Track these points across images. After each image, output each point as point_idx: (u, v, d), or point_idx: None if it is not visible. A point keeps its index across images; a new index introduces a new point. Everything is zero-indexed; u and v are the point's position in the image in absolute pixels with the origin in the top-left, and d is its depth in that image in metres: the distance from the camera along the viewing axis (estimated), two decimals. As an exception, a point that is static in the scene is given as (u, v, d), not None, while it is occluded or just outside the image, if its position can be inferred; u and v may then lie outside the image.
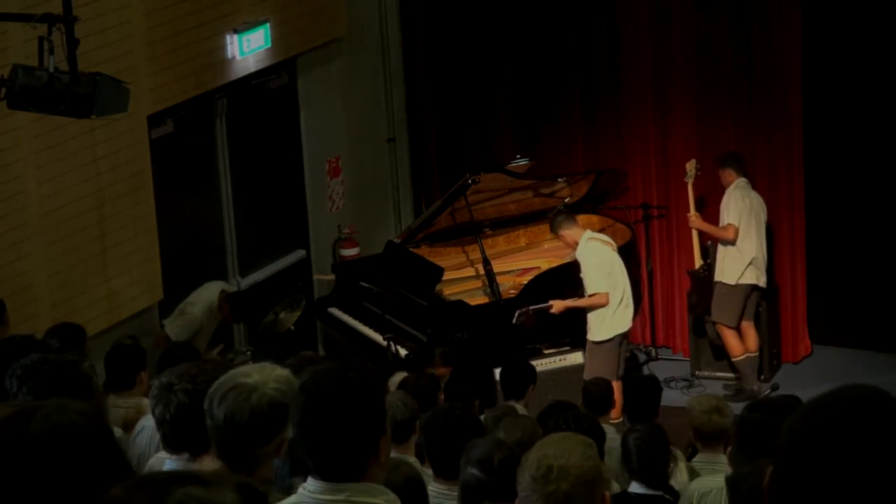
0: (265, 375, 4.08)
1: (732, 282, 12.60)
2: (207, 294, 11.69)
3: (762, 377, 12.94)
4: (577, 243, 11.87)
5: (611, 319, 11.86)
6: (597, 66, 13.76)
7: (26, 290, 10.30)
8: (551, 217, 12.39)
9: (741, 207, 12.49)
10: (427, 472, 6.46)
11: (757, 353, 12.82)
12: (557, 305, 11.87)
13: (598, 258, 11.82)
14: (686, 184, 12.83)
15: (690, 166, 12.80)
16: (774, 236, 13.24)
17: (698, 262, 12.93)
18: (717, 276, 12.71)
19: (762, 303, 12.93)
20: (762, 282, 12.67)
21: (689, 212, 12.85)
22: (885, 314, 13.08)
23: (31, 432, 2.44)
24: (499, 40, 14.06)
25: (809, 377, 12.95)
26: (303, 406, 3.88)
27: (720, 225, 12.59)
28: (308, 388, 3.91)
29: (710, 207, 12.95)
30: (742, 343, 12.71)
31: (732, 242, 12.52)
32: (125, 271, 11.19)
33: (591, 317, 11.87)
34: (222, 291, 11.79)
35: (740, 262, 12.55)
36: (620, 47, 13.61)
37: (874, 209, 13.07)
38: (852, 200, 13.15)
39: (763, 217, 12.66)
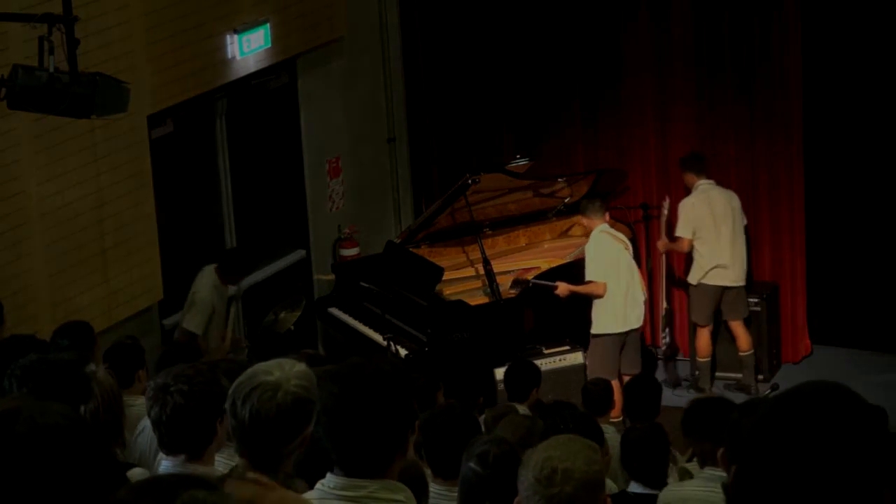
0: (286, 372, 4.09)
1: (694, 282, 12.74)
2: (207, 276, 11.68)
3: (760, 377, 12.95)
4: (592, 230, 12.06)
5: (611, 315, 11.92)
6: (597, 66, 13.76)
7: (26, 290, 10.31)
8: (587, 200, 12.40)
9: (691, 217, 12.56)
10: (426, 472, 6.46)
11: (751, 352, 12.82)
12: (562, 288, 11.97)
13: (601, 249, 11.93)
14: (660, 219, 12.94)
15: (665, 205, 12.86)
16: (774, 236, 13.26)
17: (663, 305, 13.03)
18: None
19: (760, 302, 12.93)
20: (730, 281, 12.62)
21: (659, 239, 12.94)
22: (885, 314, 13.08)
23: (14, 434, 2.44)
24: (499, 40, 14.05)
25: (809, 377, 12.84)
26: (335, 397, 3.86)
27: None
28: (342, 380, 3.89)
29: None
30: (711, 347, 12.76)
31: (686, 253, 12.72)
32: (125, 271, 11.19)
33: (594, 310, 11.95)
34: (217, 267, 11.77)
35: (700, 266, 12.68)
36: (621, 47, 13.60)
37: (874, 209, 13.08)
38: (852, 200, 13.15)
39: (732, 214, 12.57)
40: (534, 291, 12.22)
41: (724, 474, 6.45)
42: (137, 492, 2.38)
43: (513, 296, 12.33)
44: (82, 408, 6.12)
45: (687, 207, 12.62)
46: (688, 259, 12.92)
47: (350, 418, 3.83)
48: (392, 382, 3.88)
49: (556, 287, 12.08)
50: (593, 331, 12.04)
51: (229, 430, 4.19)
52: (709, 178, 12.71)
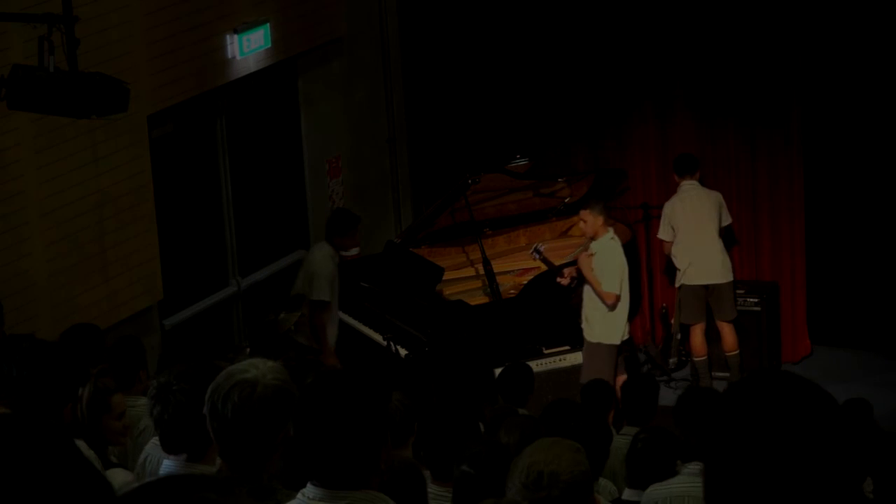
0: (261, 369, 4.12)
1: (677, 284, 12.80)
2: (319, 249, 12.05)
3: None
4: (597, 235, 11.76)
5: (619, 326, 11.76)
6: (597, 65, 13.75)
7: (26, 290, 10.31)
8: (594, 201, 12.20)
9: (668, 218, 12.66)
10: (426, 474, 6.46)
11: (736, 352, 12.80)
12: (584, 261, 11.71)
13: (621, 261, 11.75)
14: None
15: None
16: (774, 236, 13.26)
17: (677, 336, 13.14)
18: None
19: (760, 302, 12.93)
20: (709, 279, 12.60)
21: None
22: (886, 314, 13.08)
23: None
24: (499, 40, 14.05)
25: (809, 377, 12.90)
26: (307, 410, 3.87)
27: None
28: (313, 393, 3.90)
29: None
30: (705, 346, 12.78)
31: (667, 255, 12.84)
32: (125, 271, 11.19)
33: (598, 317, 11.77)
34: (327, 237, 12.03)
35: (679, 268, 12.69)
36: (621, 46, 13.60)
37: (874, 209, 13.07)
38: (852, 200, 13.15)
39: (709, 213, 12.60)
40: (535, 288, 12.17)
41: None
42: (145, 493, 2.36)
43: (513, 295, 12.31)
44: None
45: (666, 210, 12.73)
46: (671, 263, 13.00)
47: (320, 432, 3.84)
48: (362, 396, 3.88)
49: (568, 271, 12.03)
50: (597, 339, 11.75)
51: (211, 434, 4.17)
52: (694, 178, 12.71)
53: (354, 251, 13.71)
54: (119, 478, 5.84)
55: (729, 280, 12.67)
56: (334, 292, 11.87)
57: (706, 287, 12.65)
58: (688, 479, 6.58)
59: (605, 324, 11.78)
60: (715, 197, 12.69)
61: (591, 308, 11.80)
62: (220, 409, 4.07)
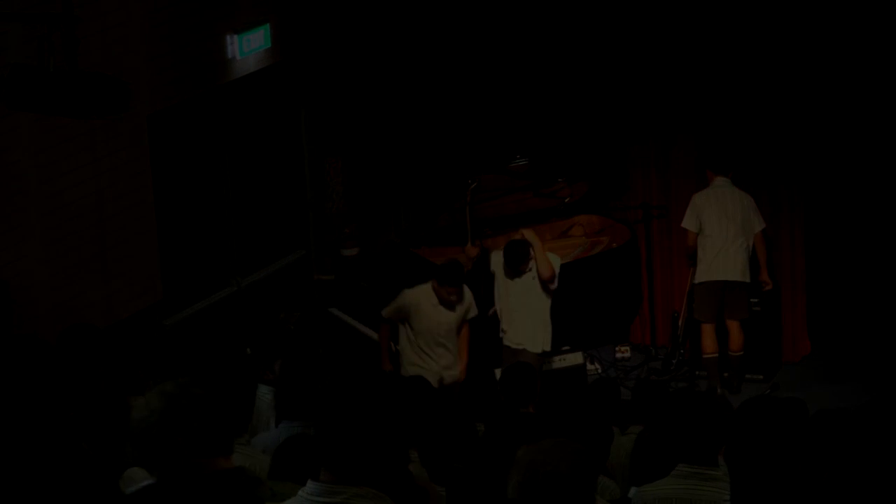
0: (151, 395, 3.98)
1: (698, 281, 12.72)
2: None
3: (760, 376, 12.94)
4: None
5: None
6: (597, 63, 13.74)
7: (26, 290, 10.31)
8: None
9: (699, 210, 12.62)
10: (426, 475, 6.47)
11: (740, 353, 12.79)
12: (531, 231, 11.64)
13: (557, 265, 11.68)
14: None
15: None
16: (774, 236, 13.26)
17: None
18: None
19: (760, 302, 12.92)
20: (731, 275, 12.56)
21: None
22: (886, 314, 13.07)
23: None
24: (498, 39, 14.05)
25: (809, 377, 12.95)
26: (333, 404, 3.89)
27: None
28: (341, 388, 3.91)
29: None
30: (715, 343, 12.75)
31: (691, 247, 12.74)
32: (125, 271, 11.19)
33: (542, 328, 11.62)
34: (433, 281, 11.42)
35: (704, 263, 12.67)
36: (622, 46, 13.59)
37: (874, 209, 13.07)
38: (852, 199, 13.14)
39: (740, 211, 12.59)
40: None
41: (699, 470, 6.40)
42: (146, 494, 2.38)
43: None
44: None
45: (696, 201, 12.66)
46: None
47: (342, 424, 3.85)
48: (391, 394, 3.90)
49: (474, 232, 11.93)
50: (542, 348, 11.59)
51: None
52: (727, 177, 12.70)
53: (353, 251, 13.75)
54: (141, 474, 5.84)
55: (747, 280, 12.67)
56: (407, 317, 11.28)
57: (725, 283, 12.61)
58: (676, 482, 6.56)
59: (547, 333, 11.64)
60: (748, 199, 12.68)
61: (534, 323, 11.63)
62: (146, 432, 3.91)
